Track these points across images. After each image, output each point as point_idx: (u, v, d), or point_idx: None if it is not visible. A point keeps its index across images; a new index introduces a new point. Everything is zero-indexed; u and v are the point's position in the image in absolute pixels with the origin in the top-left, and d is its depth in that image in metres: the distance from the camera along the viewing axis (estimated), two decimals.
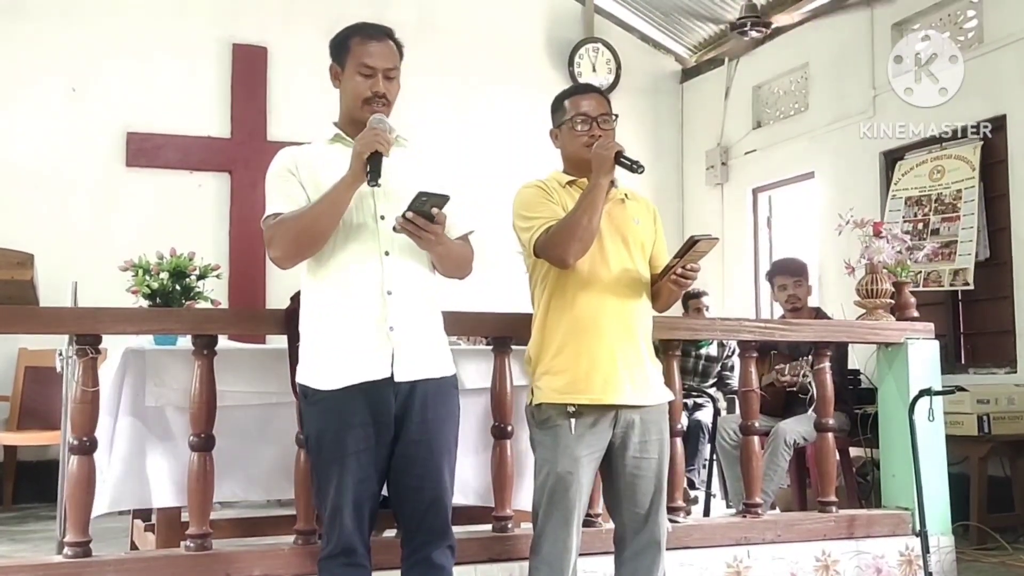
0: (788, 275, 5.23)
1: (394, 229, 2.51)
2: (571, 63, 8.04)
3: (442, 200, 2.47)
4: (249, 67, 7.18)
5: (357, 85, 2.66)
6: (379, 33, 2.70)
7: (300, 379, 2.65)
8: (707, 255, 2.88)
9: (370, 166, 2.47)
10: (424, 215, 2.46)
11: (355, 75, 2.66)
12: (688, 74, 8.53)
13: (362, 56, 2.65)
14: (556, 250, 2.84)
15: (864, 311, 4.29)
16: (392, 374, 2.55)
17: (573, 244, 2.82)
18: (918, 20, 6.31)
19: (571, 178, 3.02)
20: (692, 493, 5.38)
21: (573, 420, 2.84)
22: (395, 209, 2.52)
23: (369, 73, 2.65)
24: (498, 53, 7.88)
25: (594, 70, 8.09)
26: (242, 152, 7.05)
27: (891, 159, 6.39)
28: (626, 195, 3.07)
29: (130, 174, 6.86)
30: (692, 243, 2.83)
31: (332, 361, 2.57)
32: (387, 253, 2.60)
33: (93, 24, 6.85)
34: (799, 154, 7.22)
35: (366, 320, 2.56)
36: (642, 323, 2.99)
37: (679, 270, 2.88)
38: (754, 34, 7.38)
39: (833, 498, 4.03)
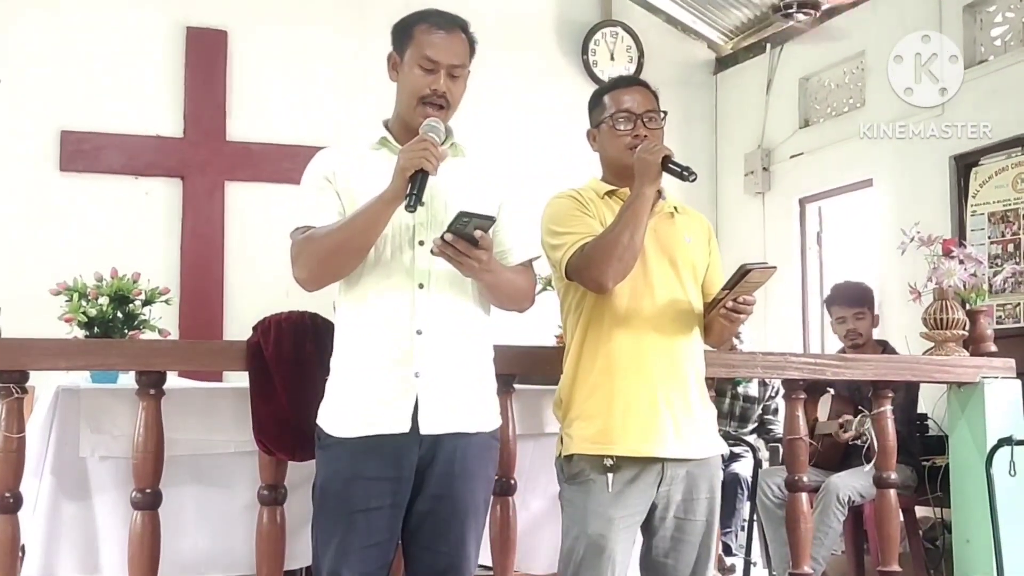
0: (847, 305, 5.23)
1: (432, 252, 2.53)
2: (585, 50, 8.06)
3: (487, 222, 2.49)
4: (205, 55, 7.18)
5: (415, 80, 2.68)
6: (450, 23, 2.74)
7: (319, 419, 2.68)
8: (763, 285, 2.89)
9: (412, 186, 2.48)
10: (466, 238, 2.48)
11: (415, 68, 2.68)
12: (723, 63, 8.55)
13: (425, 47, 2.68)
14: (592, 272, 2.84)
15: (932, 344, 4.29)
16: (414, 426, 2.56)
17: (612, 265, 2.82)
18: (994, 1, 6.34)
19: (611, 187, 3.04)
20: (729, 560, 5.35)
21: (610, 475, 2.83)
22: (438, 234, 2.54)
23: (431, 67, 2.68)
24: (499, 38, 7.81)
25: (612, 58, 8.11)
26: (197, 154, 7.06)
27: (963, 164, 6.39)
28: (676, 208, 3.09)
29: (64, 180, 6.86)
30: (744, 272, 2.83)
31: (349, 406, 2.61)
32: (421, 286, 2.62)
33: (21, 5, 6.86)
34: (854, 158, 7.22)
35: (388, 363, 2.59)
36: (692, 360, 3.00)
37: (730, 303, 2.88)
38: (801, 17, 7.40)
39: (896, 567, 4.01)
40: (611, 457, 2.83)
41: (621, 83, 3.16)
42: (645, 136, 2.97)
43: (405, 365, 2.59)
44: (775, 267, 2.90)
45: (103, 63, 6.98)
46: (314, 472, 2.71)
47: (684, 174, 2.82)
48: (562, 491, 2.97)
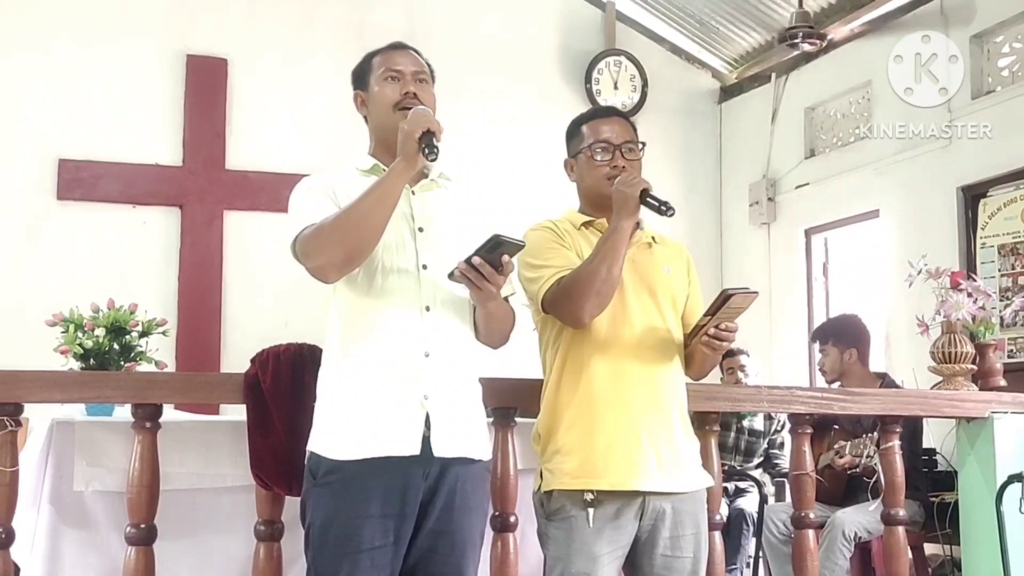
0: (814, 340, 5.49)
1: (450, 276, 2.57)
2: (588, 79, 8.10)
3: (517, 248, 2.53)
4: (205, 82, 7.23)
5: (385, 93, 2.77)
6: (399, 44, 2.86)
7: (312, 447, 2.66)
8: (745, 311, 2.88)
9: (426, 143, 2.54)
10: (492, 263, 2.51)
11: (381, 84, 2.78)
12: (728, 93, 8.59)
13: (385, 63, 2.80)
14: (569, 306, 2.85)
15: (940, 379, 4.27)
16: (424, 450, 2.56)
17: (590, 299, 2.82)
18: (1001, 32, 6.37)
19: (588, 218, 3.04)
20: None
21: (591, 510, 2.81)
22: (439, 258, 2.63)
23: (396, 75, 2.78)
24: (501, 67, 7.94)
25: (616, 87, 8.15)
26: (195, 183, 7.08)
27: (971, 195, 6.40)
28: (653, 238, 3.08)
29: (62, 208, 6.88)
30: (726, 298, 2.84)
31: (352, 427, 2.59)
32: (428, 308, 2.65)
33: (19, 31, 6.90)
34: (861, 189, 7.24)
35: (397, 385, 2.59)
36: (673, 392, 2.99)
37: (712, 330, 2.88)
38: (806, 47, 7.43)
39: None
40: (592, 492, 2.82)
41: (599, 113, 3.19)
42: (623, 167, 2.96)
43: (414, 387, 2.59)
44: (756, 292, 2.90)
45: (102, 90, 7.01)
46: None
47: (662, 209, 2.81)
48: (541, 527, 2.95)
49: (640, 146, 3.04)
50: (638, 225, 2.98)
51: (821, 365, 5.39)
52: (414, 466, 2.57)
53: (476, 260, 2.50)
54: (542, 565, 3.14)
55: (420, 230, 2.66)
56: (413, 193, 2.74)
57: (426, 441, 2.57)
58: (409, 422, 2.57)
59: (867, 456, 4.69)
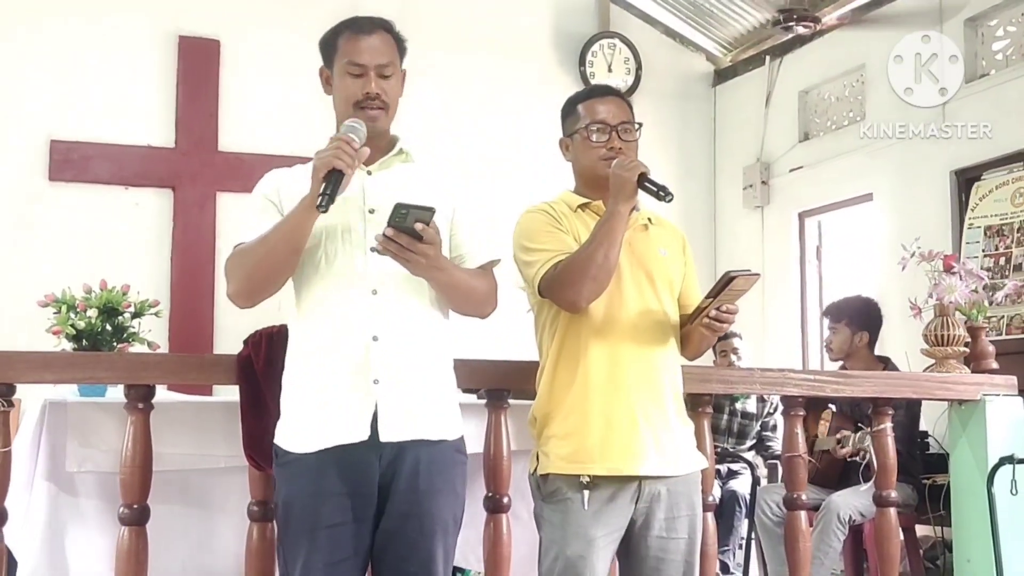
0: (826, 315, 5.47)
1: (374, 250, 2.50)
2: (582, 62, 8.10)
3: (427, 213, 2.44)
4: (198, 64, 7.21)
5: (347, 87, 2.69)
6: (371, 25, 2.73)
7: (275, 437, 2.68)
8: (746, 293, 2.88)
9: (326, 186, 2.46)
10: (407, 231, 2.44)
11: (344, 76, 2.70)
12: (722, 76, 8.59)
13: (350, 53, 2.69)
14: (566, 290, 2.84)
15: (933, 361, 4.29)
16: (373, 434, 2.55)
17: (586, 284, 2.81)
18: (995, 15, 6.36)
19: (584, 200, 3.02)
20: None
21: (587, 493, 2.82)
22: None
23: (359, 72, 2.68)
24: (495, 50, 7.92)
25: (610, 70, 8.15)
26: (188, 164, 7.07)
27: (965, 179, 6.41)
28: (650, 220, 3.08)
29: (53, 190, 6.87)
30: (728, 280, 2.83)
31: (306, 420, 2.60)
32: (375, 292, 2.62)
33: (9, 11, 6.87)
34: (854, 172, 7.24)
35: (346, 371, 2.58)
36: (669, 375, 2.99)
37: (713, 312, 2.88)
38: (800, 30, 7.42)
39: None
40: (587, 476, 2.83)
41: (596, 92, 3.14)
42: (620, 148, 2.94)
43: (363, 373, 2.58)
44: (759, 274, 2.89)
45: (94, 71, 6.99)
46: None
47: (660, 193, 2.78)
48: (537, 508, 2.96)
49: (637, 127, 3.01)
50: (635, 207, 2.96)
51: (828, 342, 5.35)
52: (367, 451, 2.56)
53: (388, 231, 2.43)
54: (537, 547, 3.15)
55: (371, 212, 2.60)
56: (369, 173, 2.69)
57: (375, 426, 2.56)
58: (357, 409, 2.56)
59: (868, 446, 4.66)
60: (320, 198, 2.44)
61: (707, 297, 2.91)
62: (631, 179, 2.82)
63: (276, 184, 2.70)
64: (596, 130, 2.98)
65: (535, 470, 2.95)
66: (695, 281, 3.11)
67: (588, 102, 3.04)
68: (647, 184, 2.82)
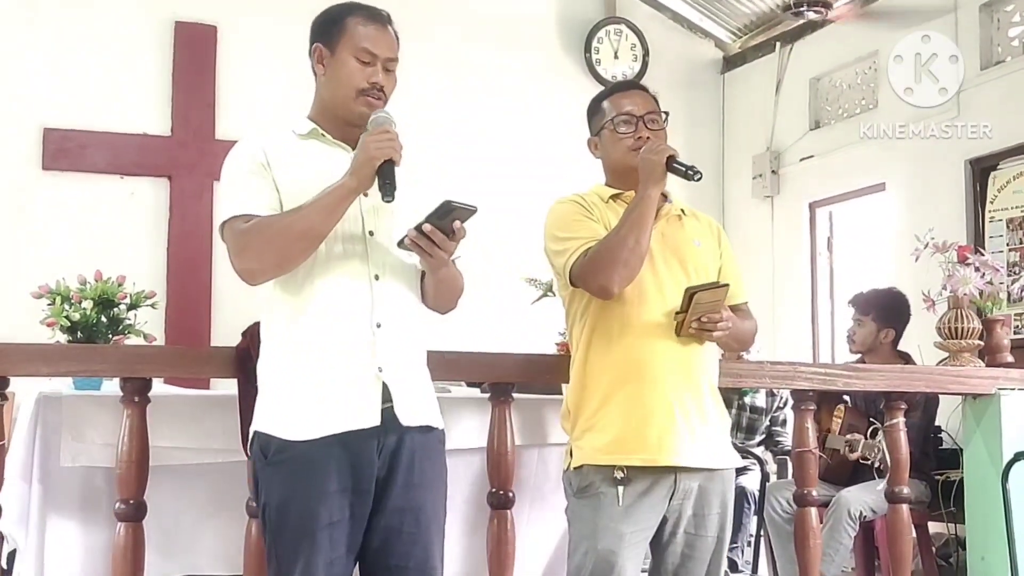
0: (852, 306, 5.36)
1: (400, 244, 2.55)
2: (588, 48, 8.07)
3: (469, 212, 2.49)
4: (195, 50, 7.18)
5: (352, 72, 2.67)
6: (381, 18, 2.74)
7: (260, 427, 2.63)
8: (722, 303, 2.89)
9: (387, 177, 2.50)
10: (443, 229, 2.49)
11: (351, 59, 2.67)
12: (731, 63, 8.57)
13: (362, 39, 2.68)
14: (597, 276, 2.87)
15: (946, 355, 4.28)
16: (384, 421, 2.55)
17: (617, 269, 2.84)
18: (1011, 1, 6.34)
19: (615, 191, 3.07)
20: None
21: (621, 489, 2.84)
22: (385, 224, 2.60)
23: (369, 60, 2.68)
24: (499, 36, 7.90)
25: (616, 57, 8.13)
26: (185, 153, 7.05)
27: (980, 168, 6.40)
28: (683, 211, 3.11)
29: (47, 179, 6.84)
30: (691, 296, 2.85)
31: (307, 406, 2.57)
32: (377, 277, 2.62)
33: None
34: (867, 161, 7.22)
35: (352, 357, 2.58)
36: (706, 366, 3.02)
37: (695, 324, 2.88)
38: (811, 15, 7.41)
39: None
40: (622, 469, 2.84)
41: (620, 87, 3.22)
42: (647, 137, 2.99)
43: (368, 359, 2.58)
44: (726, 284, 2.93)
45: (88, 57, 6.96)
46: None
47: (689, 173, 2.86)
48: (570, 505, 2.98)
49: (664, 116, 3.08)
50: (666, 198, 3.01)
51: (852, 334, 5.29)
52: (367, 440, 2.55)
53: (427, 227, 2.47)
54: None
55: (365, 195, 2.60)
56: None
57: (386, 412, 2.56)
58: (366, 395, 2.56)
59: (878, 450, 4.64)
60: (385, 188, 2.50)
61: (678, 313, 2.88)
62: (660, 161, 2.88)
63: (264, 152, 2.66)
64: (623, 122, 3.04)
65: (568, 466, 2.97)
66: (736, 271, 3.14)
67: (612, 97, 3.11)
68: (676, 165, 2.88)
